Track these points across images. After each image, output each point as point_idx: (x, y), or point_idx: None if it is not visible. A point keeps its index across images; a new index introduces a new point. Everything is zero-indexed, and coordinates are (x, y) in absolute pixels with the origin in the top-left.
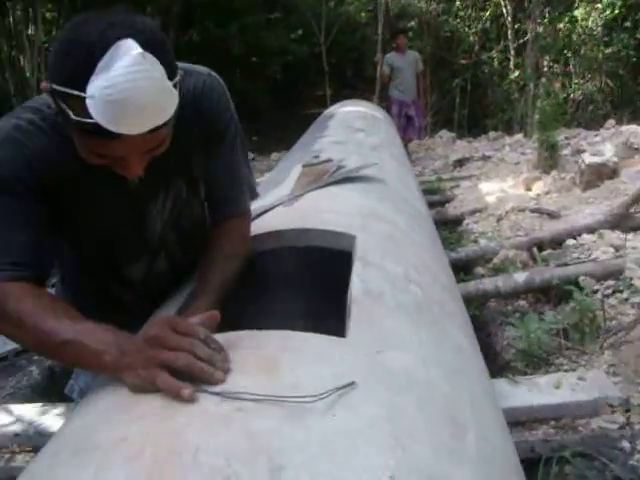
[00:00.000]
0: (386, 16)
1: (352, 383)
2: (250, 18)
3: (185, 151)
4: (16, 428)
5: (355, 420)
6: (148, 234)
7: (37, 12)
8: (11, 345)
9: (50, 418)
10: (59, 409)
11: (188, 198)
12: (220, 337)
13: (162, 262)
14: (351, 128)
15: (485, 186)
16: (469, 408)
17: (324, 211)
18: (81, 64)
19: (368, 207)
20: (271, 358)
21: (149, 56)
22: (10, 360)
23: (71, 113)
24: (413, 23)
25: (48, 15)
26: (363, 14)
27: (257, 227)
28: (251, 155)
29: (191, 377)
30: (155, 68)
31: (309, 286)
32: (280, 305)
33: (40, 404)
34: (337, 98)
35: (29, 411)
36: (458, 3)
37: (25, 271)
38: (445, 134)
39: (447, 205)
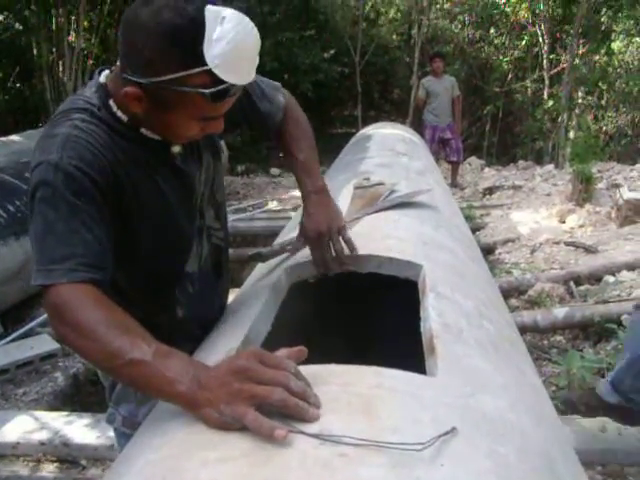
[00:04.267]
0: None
1: (453, 429)
2: (284, 35)
3: None
4: (41, 436)
5: (463, 473)
6: (196, 211)
7: (80, 20)
8: (36, 350)
9: (76, 429)
10: (85, 420)
11: (215, 167)
12: (305, 370)
13: (206, 246)
14: (393, 151)
15: (517, 216)
16: (562, 458)
17: (386, 237)
18: (189, 44)
19: (428, 235)
20: (365, 397)
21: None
22: (35, 365)
23: (199, 89)
24: (448, 48)
25: (86, 24)
26: (395, 37)
27: None
28: (277, 171)
29: (284, 414)
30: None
31: (372, 313)
32: (342, 331)
33: (65, 413)
34: (364, 119)
35: (54, 419)
36: (493, 31)
37: (93, 273)
38: (474, 161)
39: (478, 233)
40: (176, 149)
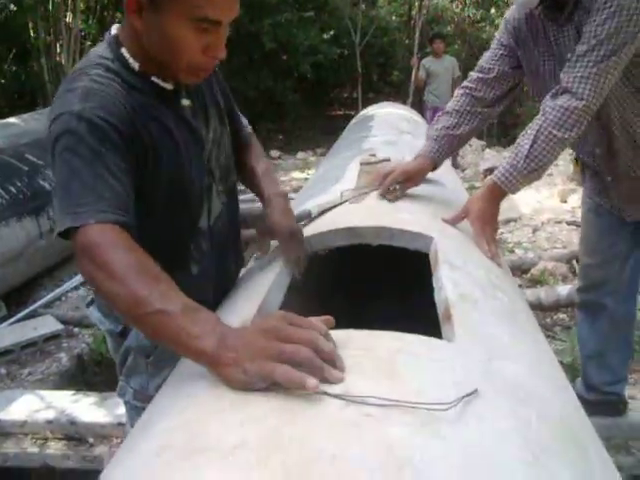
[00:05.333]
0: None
1: (475, 391)
2: (283, 15)
3: (210, 83)
4: (48, 415)
5: (487, 432)
6: (205, 166)
7: (76, 1)
8: (40, 331)
9: (82, 407)
10: (91, 399)
11: (221, 130)
12: None
13: (216, 205)
14: (397, 129)
15: (518, 196)
16: (580, 424)
17: (396, 211)
18: None
19: (437, 208)
20: (387, 361)
21: None
22: (39, 346)
23: None
24: (449, 28)
25: (82, 5)
26: (394, 18)
27: (329, 222)
28: (277, 153)
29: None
30: None
31: (383, 283)
32: (351, 302)
33: (71, 392)
34: (364, 101)
35: (60, 398)
36: (494, 11)
37: (121, 215)
38: (474, 142)
39: None
40: (185, 102)
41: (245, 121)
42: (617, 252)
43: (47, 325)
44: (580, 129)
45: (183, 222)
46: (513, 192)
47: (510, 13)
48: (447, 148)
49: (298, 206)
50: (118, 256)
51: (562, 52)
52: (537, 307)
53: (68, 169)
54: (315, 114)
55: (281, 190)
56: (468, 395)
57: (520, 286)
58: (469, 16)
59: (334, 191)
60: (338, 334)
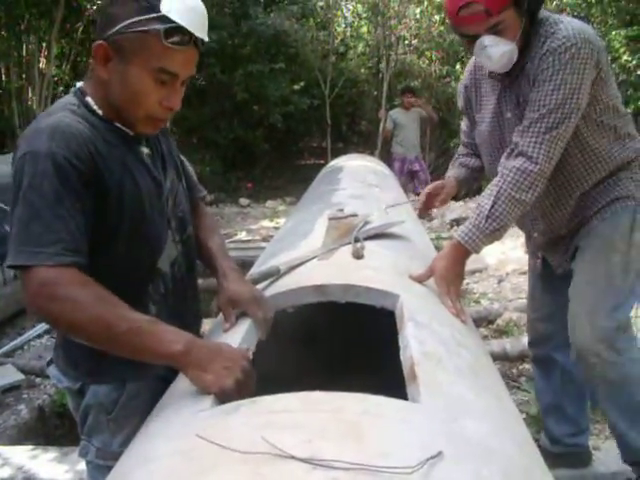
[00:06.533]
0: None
1: (439, 453)
2: (254, 67)
3: (168, 142)
4: (3, 473)
5: None
6: (164, 210)
7: (51, 47)
8: None
9: (41, 463)
10: (51, 454)
11: (178, 185)
12: (295, 397)
13: (173, 250)
14: (365, 183)
15: None
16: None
17: (363, 268)
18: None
19: (403, 265)
20: (354, 423)
21: None
22: None
23: (156, 27)
24: (416, 82)
25: (57, 51)
26: (363, 70)
27: (297, 279)
28: (246, 201)
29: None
30: None
31: (349, 341)
32: (319, 358)
33: (30, 447)
34: (333, 151)
35: (18, 454)
36: (459, 67)
37: (78, 257)
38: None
39: None
40: (145, 150)
41: (201, 188)
42: (560, 306)
43: (7, 375)
44: (536, 191)
45: (142, 261)
46: (477, 251)
47: (462, 81)
48: (463, 172)
49: (267, 259)
50: (79, 290)
51: (503, 111)
52: (503, 358)
53: (30, 208)
54: (285, 163)
55: (234, 265)
56: (432, 458)
57: (486, 337)
58: (435, 71)
59: (303, 246)
60: (304, 396)
